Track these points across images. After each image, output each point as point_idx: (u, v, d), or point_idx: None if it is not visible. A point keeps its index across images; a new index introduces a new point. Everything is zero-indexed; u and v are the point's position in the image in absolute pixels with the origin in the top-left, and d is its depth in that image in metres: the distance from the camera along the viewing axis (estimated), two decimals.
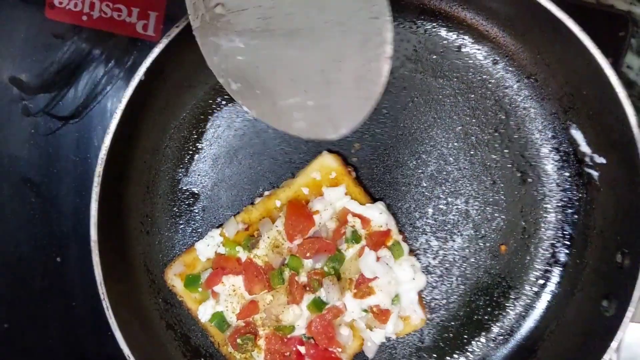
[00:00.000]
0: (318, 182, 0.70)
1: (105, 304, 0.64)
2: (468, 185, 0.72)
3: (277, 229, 0.68)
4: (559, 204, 0.72)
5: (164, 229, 0.73)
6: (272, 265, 0.68)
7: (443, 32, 0.71)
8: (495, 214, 0.73)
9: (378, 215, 0.69)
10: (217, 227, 0.69)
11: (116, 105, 0.80)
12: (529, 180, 0.72)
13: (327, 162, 0.70)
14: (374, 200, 0.72)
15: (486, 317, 0.74)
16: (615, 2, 0.89)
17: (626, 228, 0.66)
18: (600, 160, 0.69)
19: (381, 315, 0.68)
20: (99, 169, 0.63)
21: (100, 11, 0.80)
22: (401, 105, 0.72)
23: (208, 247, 0.69)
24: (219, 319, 0.68)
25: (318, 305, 0.67)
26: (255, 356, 0.69)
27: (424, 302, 0.73)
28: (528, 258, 0.73)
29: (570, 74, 0.68)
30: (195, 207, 0.73)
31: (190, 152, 0.73)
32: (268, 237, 0.68)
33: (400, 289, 0.69)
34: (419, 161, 0.72)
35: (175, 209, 0.73)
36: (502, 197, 0.73)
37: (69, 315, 0.83)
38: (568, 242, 0.72)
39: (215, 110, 0.72)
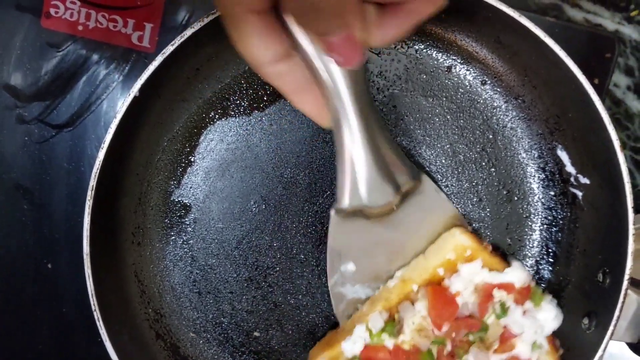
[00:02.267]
0: (452, 261, 0.68)
1: (97, 314, 0.65)
2: (455, 202, 0.74)
3: (421, 314, 0.67)
4: (544, 222, 0.74)
5: (155, 240, 0.74)
6: (420, 348, 0.67)
7: (434, 53, 0.72)
8: (481, 231, 0.74)
9: (521, 275, 0.68)
10: (361, 324, 0.68)
11: (110, 115, 0.81)
12: (515, 198, 0.74)
13: (462, 241, 0.68)
14: (506, 259, 0.71)
15: None
16: (603, 21, 0.91)
17: (608, 248, 0.68)
18: (585, 180, 0.71)
19: None
20: (92, 182, 0.64)
21: (96, 21, 0.81)
22: (391, 123, 0.73)
23: (355, 344, 0.67)
24: None
25: None
26: None
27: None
28: None
29: (557, 97, 0.70)
30: (186, 219, 0.74)
31: (183, 165, 0.73)
32: (413, 323, 0.67)
33: (542, 333, 0.68)
34: None
35: (166, 220, 0.74)
36: (488, 214, 0.74)
37: (59, 320, 0.84)
38: (552, 260, 0.74)
39: (208, 124, 0.73)
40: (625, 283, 0.64)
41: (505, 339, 0.68)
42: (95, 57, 0.81)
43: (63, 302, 0.84)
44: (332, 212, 0.66)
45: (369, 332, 0.67)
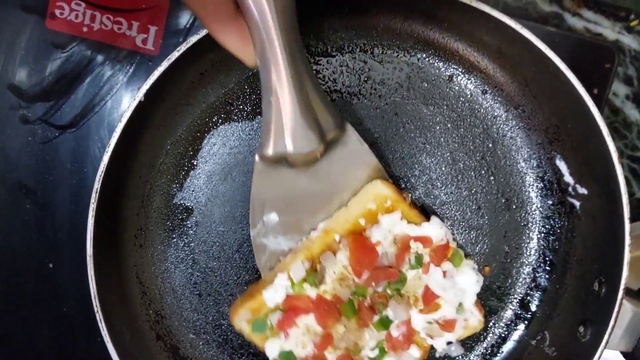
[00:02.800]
0: (374, 211, 0.69)
1: (99, 316, 0.66)
2: (454, 209, 0.75)
3: (342, 263, 0.68)
4: (542, 231, 0.75)
5: (157, 242, 0.74)
6: (341, 297, 0.68)
7: (435, 62, 0.73)
8: (479, 238, 0.75)
9: (438, 231, 0.70)
10: (282, 272, 0.68)
11: (114, 117, 0.82)
12: (513, 206, 0.75)
13: (382, 191, 0.69)
14: (427, 216, 0.72)
15: (468, 338, 0.76)
16: (603, 30, 0.91)
17: (604, 258, 0.69)
18: (582, 190, 0.72)
19: (447, 325, 0.70)
20: (97, 185, 0.64)
21: (100, 23, 0.81)
22: (392, 131, 0.74)
23: (276, 292, 0.68)
24: (288, 356, 0.68)
25: (385, 323, 0.68)
26: None
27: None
28: (509, 281, 0.75)
29: (557, 107, 0.70)
30: (188, 222, 0.75)
31: (186, 169, 0.74)
32: (334, 272, 0.68)
33: (464, 295, 0.70)
34: (408, 184, 0.75)
35: (168, 223, 0.74)
36: (487, 221, 0.75)
37: (60, 319, 0.85)
38: (549, 268, 0.75)
39: (211, 129, 0.74)
40: (620, 293, 0.65)
41: (429, 299, 0.69)
42: (99, 58, 0.82)
43: (64, 302, 0.84)
44: (256, 158, 0.65)
45: (290, 282, 0.68)
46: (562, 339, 0.72)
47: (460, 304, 0.70)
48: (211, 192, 0.75)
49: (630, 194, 0.90)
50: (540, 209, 0.74)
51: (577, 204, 0.73)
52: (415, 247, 0.69)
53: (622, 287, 0.65)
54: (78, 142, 0.83)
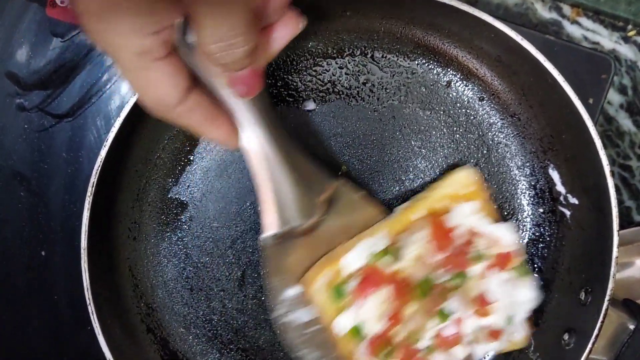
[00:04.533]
0: (455, 196, 0.69)
1: (91, 308, 0.66)
2: None
3: (420, 243, 0.67)
4: (532, 238, 0.76)
5: (150, 235, 0.75)
6: (416, 277, 0.67)
7: (434, 67, 0.74)
8: None
9: (508, 236, 0.69)
10: (363, 241, 0.68)
11: (111, 108, 0.82)
12: (505, 213, 0.76)
13: (469, 177, 0.70)
14: (504, 220, 0.71)
15: None
16: (601, 39, 0.92)
17: (592, 268, 0.70)
18: (574, 200, 0.73)
19: (493, 334, 0.70)
20: (93, 179, 0.64)
21: None
22: (389, 134, 0.74)
23: (355, 261, 0.67)
24: (357, 330, 0.67)
25: (444, 315, 0.68)
26: None
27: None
28: None
29: (552, 118, 0.71)
30: (182, 217, 0.75)
31: (182, 163, 0.74)
32: (411, 252, 0.67)
33: (517, 309, 0.70)
34: (402, 187, 0.75)
35: (163, 217, 0.75)
36: None
37: (51, 308, 0.85)
38: (537, 275, 0.76)
39: None
40: (605, 303, 0.66)
41: (483, 303, 0.69)
42: (98, 49, 0.81)
43: (55, 290, 0.85)
44: (262, 243, 0.67)
45: (369, 253, 0.67)
46: (546, 346, 0.73)
47: (510, 317, 0.69)
48: (206, 188, 0.75)
49: (620, 202, 0.92)
50: (531, 217, 0.75)
51: (567, 213, 0.74)
52: (480, 243, 0.69)
53: (607, 298, 0.66)
54: (74, 131, 0.83)
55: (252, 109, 0.57)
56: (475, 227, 0.69)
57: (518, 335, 0.71)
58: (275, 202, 0.63)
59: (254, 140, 0.59)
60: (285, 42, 0.54)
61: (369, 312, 0.67)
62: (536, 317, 0.75)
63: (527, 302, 0.71)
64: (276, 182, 0.62)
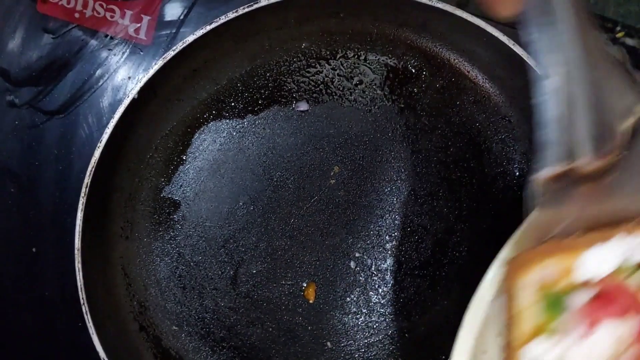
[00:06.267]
0: None
1: (85, 308, 0.66)
2: (438, 216, 0.76)
3: None
4: None
5: (143, 234, 0.75)
6: None
7: (426, 70, 0.74)
8: (462, 243, 0.77)
9: None
10: (617, 238, 0.46)
11: (103, 105, 0.82)
12: (492, 212, 0.77)
13: None
14: None
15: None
16: None
17: None
18: None
19: None
20: (87, 180, 0.65)
21: (93, 10, 0.81)
22: (381, 135, 0.75)
23: (600, 264, 0.45)
24: None
25: None
26: None
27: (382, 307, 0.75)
28: None
29: None
30: (175, 216, 0.75)
31: (175, 163, 0.75)
32: None
33: None
34: (394, 188, 0.76)
35: (155, 216, 0.75)
36: (467, 227, 0.77)
37: (41, 304, 0.85)
38: None
39: (202, 125, 0.74)
40: None
41: None
42: (90, 46, 0.81)
43: (45, 286, 0.85)
44: (534, 187, 0.48)
45: (625, 259, 0.45)
46: None
47: None
48: (199, 188, 0.75)
49: None
50: (520, 219, 0.76)
51: None
52: None
53: None
54: (66, 128, 0.82)
55: None
56: None
57: None
58: (564, 119, 0.44)
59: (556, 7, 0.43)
60: None
61: (589, 352, 0.43)
62: None
63: None
64: (573, 79, 0.44)
